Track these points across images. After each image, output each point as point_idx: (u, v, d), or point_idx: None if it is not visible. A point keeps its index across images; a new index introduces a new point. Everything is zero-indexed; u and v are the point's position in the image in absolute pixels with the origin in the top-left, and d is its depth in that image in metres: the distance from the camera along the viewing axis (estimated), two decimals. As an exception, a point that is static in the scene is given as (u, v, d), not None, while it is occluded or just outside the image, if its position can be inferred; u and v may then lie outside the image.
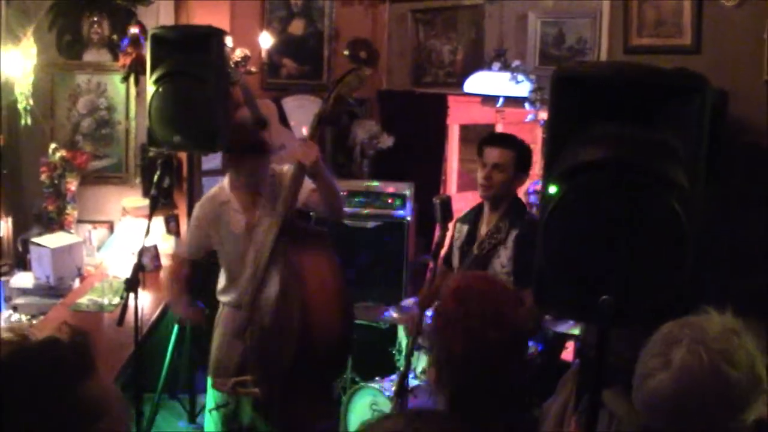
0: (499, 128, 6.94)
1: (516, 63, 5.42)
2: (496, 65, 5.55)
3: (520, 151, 3.98)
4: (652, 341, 1.98)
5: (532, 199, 5.10)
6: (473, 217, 4.10)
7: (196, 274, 4.33)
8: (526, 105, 5.27)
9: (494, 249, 3.86)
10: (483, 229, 3.99)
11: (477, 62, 5.95)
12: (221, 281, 4.26)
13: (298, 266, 3.76)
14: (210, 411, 4.23)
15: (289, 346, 3.72)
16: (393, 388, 4.48)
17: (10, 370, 1.51)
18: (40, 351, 1.57)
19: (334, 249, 3.96)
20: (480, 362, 2.08)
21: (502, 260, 3.85)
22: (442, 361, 2.16)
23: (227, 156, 4.28)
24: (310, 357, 3.71)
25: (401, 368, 4.33)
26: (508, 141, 4.05)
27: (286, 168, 4.10)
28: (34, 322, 4.50)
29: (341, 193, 4.23)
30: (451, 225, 3.59)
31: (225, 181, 4.31)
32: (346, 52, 5.43)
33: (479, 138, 4.29)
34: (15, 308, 4.81)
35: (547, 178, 2.25)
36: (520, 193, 4.44)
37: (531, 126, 5.86)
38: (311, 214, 4.57)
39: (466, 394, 2.12)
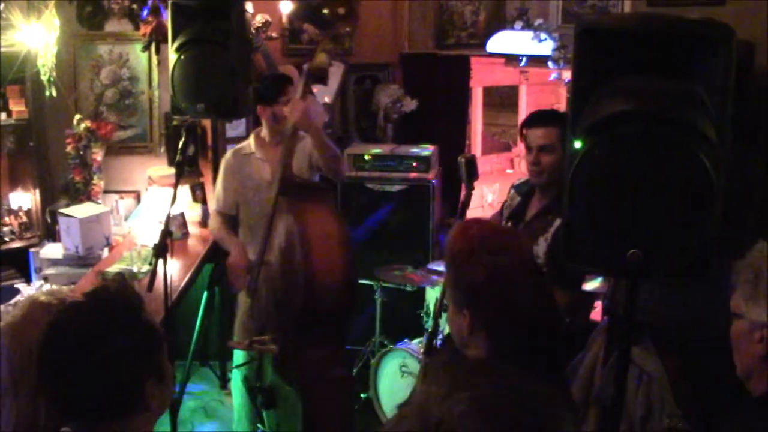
0: (523, 90, 6.91)
1: (538, 21, 5.37)
2: (519, 24, 5.50)
3: (565, 125, 3.64)
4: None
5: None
6: (526, 193, 3.73)
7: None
8: (550, 64, 5.21)
9: (535, 239, 3.49)
10: (530, 212, 3.66)
11: (499, 22, 5.89)
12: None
13: (300, 220, 3.79)
14: (234, 369, 4.39)
15: (295, 297, 3.76)
16: (421, 349, 4.51)
17: (91, 314, 1.72)
18: (103, 295, 1.78)
19: (335, 202, 4.09)
20: (500, 289, 2.09)
21: (538, 253, 3.46)
22: (467, 302, 2.17)
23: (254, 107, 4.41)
24: (317, 306, 3.75)
25: (429, 329, 4.36)
26: (549, 117, 3.66)
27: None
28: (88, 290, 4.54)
29: (338, 154, 4.29)
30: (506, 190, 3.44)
31: (250, 138, 4.48)
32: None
33: (521, 121, 3.80)
34: (46, 279, 4.87)
35: (572, 133, 2.24)
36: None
37: (555, 86, 5.82)
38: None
39: (498, 332, 2.11)
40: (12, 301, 4.14)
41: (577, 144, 2.19)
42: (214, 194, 4.56)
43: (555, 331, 2.21)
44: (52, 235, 5.37)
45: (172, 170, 4.86)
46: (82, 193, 5.53)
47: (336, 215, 3.93)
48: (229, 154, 4.55)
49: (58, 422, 1.75)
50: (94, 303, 1.76)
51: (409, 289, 5.08)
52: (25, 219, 5.57)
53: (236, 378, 4.42)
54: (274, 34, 5.92)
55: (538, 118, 3.67)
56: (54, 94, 5.37)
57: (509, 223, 3.72)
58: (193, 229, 5.54)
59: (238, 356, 4.33)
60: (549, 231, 3.48)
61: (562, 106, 5.76)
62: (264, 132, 4.43)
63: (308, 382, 3.87)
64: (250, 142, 4.46)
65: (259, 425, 4.31)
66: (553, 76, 5.30)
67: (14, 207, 5.56)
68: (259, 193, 4.29)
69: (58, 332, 1.70)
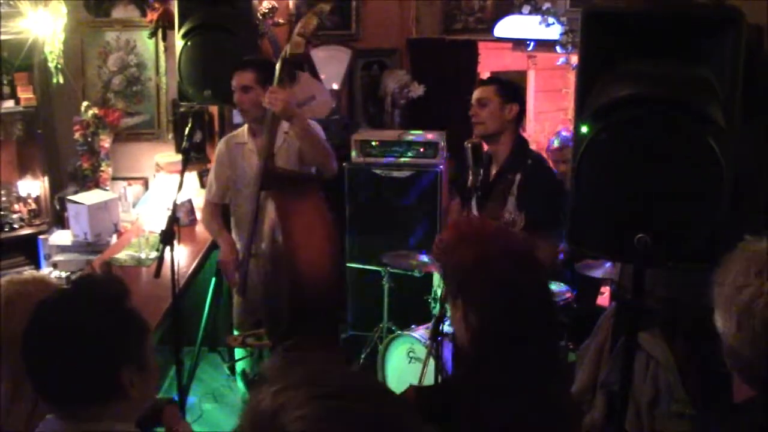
0: (531, 75, 6.88)
1: (546, 6, 5.33)
2: (526, 9, 5.47)
3: (501, 83, 4.00)
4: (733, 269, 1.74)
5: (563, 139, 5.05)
6: (487, 161, 3.93)
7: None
8: (558, 48, 5.19)
9: (503, 199, 3.79)
10: (493, 172, 3.93)
11: (507, 7, 5.86)
12: (233, 233, 4.34)
13: (282, 214, 3.67)
14: (237, 361, 4.46)
15: (283, 292, 3.67)
16: (428, 334, 4.51)
17: (70, 300, 1.77)
18: (86, 282, 1.86)
19: (322, 191, 3.85)
20: (487, 275, 2.05)
21: (509, 208, 3.76)
22: (458, 289, 2.15)
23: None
24: (303, 301, 3.63)
25: (436, 315, 4.35)
26: (490, 80, 4.27)
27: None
28: (74, 277, 4.56)
29: (326, 148, 4.08)
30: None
31: (245, 126, 4.38)
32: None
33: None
34: (55, 265, 4.90)
35: (579, 117, 2.23)
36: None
37: (563, 70, 5.78)
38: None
39: (487, 321, 2.09)
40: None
41: (584, 129, 2.18)
42: (207, 182, 4.52)
43: (548, 321, 2.15)
44: (60, 221, 5.40)
45: (180, 157, 4.87)
46: (90, 180, 5.55)
47: (321, 207, 3.76)
48: (222, 141, 4.45)
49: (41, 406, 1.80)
50: (76, 290, 1.81)
51: (416, 274, 5.07)
52: (33, 206, 5.59)
53: (239, 370, 4.45)
54: (280, 20, 5.91)
55: (481, 81, 4.28)
56: (62, 81, 5.39)
57: (479, 194, 3.86)
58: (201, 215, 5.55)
59: (239, 349, 4.33)
60: (513, 187, 3.76)
61: (570, 91, 5.73)
62: None
63: None
64: (245, 131, 4.33)
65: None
66: (562, 60, 5.28)
67: (23, 194, 5.58)
68: (248, 187, 4.15)
69: (38, 315, 1.74)
